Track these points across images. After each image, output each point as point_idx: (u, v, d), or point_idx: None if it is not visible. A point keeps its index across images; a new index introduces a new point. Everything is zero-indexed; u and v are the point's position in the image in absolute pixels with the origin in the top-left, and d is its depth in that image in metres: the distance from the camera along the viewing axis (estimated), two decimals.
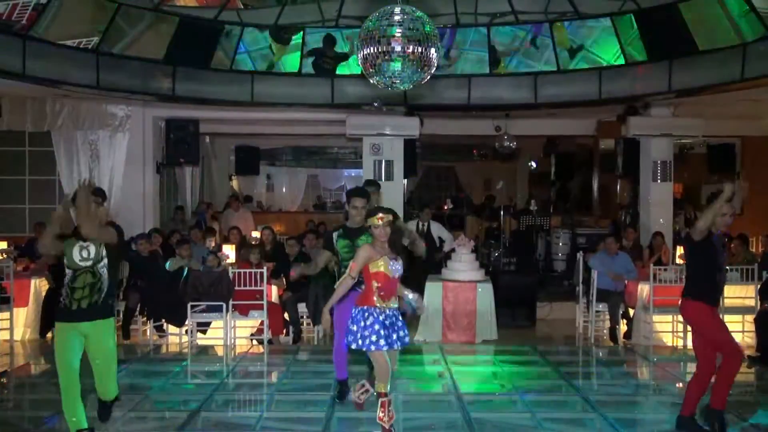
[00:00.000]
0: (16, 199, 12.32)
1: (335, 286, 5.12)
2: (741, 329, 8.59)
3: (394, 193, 11.37)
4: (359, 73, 6.66)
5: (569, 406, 6.19)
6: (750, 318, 8.51)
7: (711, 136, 13.52)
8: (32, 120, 11.49)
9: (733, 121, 12.95)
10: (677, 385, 7.22)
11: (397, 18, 5.24)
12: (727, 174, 14.93)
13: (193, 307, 8.31)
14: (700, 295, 5.19)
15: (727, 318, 8.46)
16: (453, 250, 9.53)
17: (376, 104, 11.05)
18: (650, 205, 11.93)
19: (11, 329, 8.68)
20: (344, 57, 10.74)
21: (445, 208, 14.26)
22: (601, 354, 8.68)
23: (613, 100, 10.99)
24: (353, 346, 4.85)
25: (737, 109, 11.50)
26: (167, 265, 8.75)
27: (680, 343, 8.56)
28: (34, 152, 12.29)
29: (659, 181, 11.89)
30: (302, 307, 8.89)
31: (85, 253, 4.65)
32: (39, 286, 9.03)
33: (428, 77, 5.63)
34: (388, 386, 4.91)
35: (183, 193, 14.00)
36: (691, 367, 8.01)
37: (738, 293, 8.56)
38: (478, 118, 12.99)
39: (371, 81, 5.71)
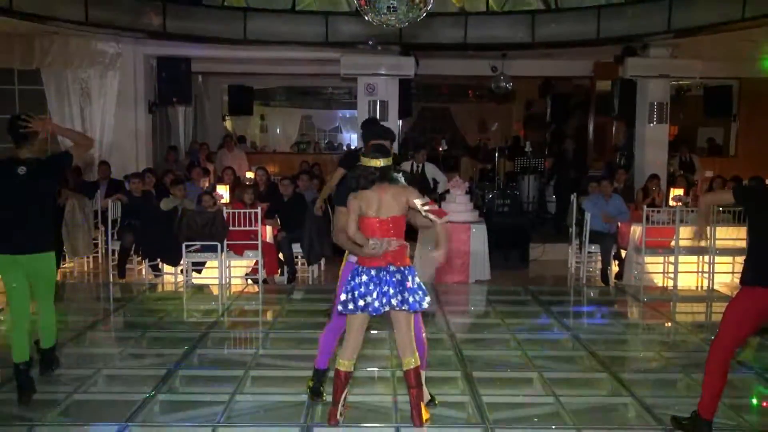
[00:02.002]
0: (6, 138, 12.17)
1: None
2: (731, 270, 8.70)
3: None
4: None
5: (560, 345, 6.29)
6: (740, 259, 8.59)
7: (708, 77, 13.41)
8: (20, 57, 11.28)
9: (731, 63, 12.82)
10: (666, 324, 7.34)
11: None
12: (724, 117, 14.90)
13: (187, 246, 8.33)
14: None
15: (719, 259, 8.62)
16: (447, 191, 9.54)
17: (370, 43, 10.88)
18: (645, 147, 11.91)
19: None
20: None
21: (440, 149, 14.20)
22: (592, 294, 8.78)
23: (610, 39, 10.84)
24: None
25: (736, 51, 11.38)
26: (161, 205, 8.75)
27: (670, 283, 8.67)
28: (23, 90, 12.10)
29: (655, 123, 11.85)
30: (297, 247, 8.93)
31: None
32: None
33: (424, 15, 5.52)
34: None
35: (176, 133, 13.88)
36: (681, 307, 8.18)
37: (731, 235, 8.62)
38: (474, 58, 12.83)
39: (366, 18, 5.60)
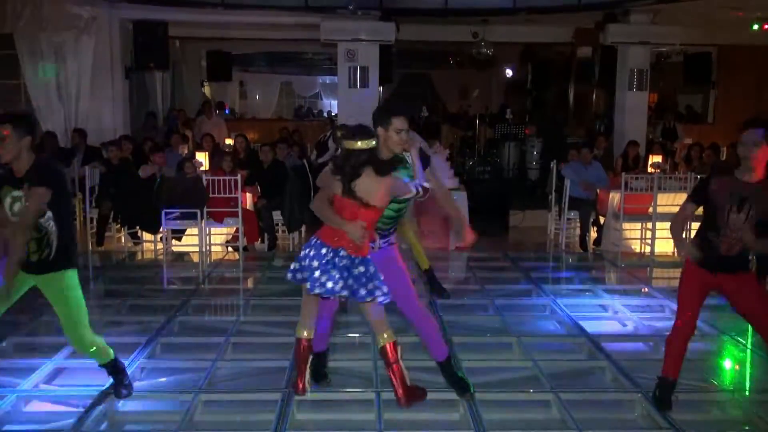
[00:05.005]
0: None
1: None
2: None
3: (369, 100, 11.24)
4: None
5: (539, 310, 6.36)
6: None
7: (688, 44, 13.44)
8: None
9: (711, 30, 12.84)
10: (643, 289, 7.45)
11: None
12: (703, 84, 14.97)
13: (167, 214, 8.28)
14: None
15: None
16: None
17: (350, 7, 10.76)
18: (625, 114, 11.96)
19: None
20: None
21: (421, 116, 14.16)
22: (570, 260, 8.88)
23: (591, 6, 10.82)
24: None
25: (716, 17, 11.39)
26: (140, 172, 8.67)
27: (648, 249, 8.78)
28: None
29: (635, 90, 11.87)
30: (277, 215, 8.91)
31: (17, 207, 3.84)
32: None
33: None
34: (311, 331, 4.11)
35: (154, 99, 13.69)
36: (658, 272, 8.30)
37: None
38: (455, 23, 12.74)
39: None
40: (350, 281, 3.80)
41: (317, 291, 3.80)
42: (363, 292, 3.81)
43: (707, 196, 3.98)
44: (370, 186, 3.80)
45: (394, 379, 4.04)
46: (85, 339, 4.04)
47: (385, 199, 3.87)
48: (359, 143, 3.78)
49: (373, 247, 3.99)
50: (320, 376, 4.43)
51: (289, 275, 3.94)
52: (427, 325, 4.25)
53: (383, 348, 4.02)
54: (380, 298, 3.86)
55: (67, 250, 3.94)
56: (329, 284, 3.78)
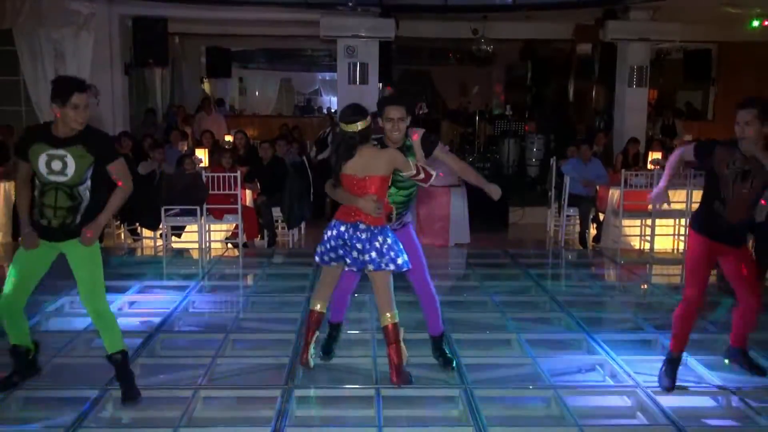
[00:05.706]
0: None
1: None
2: None
3: (369, 97, 11.22)
4: None
5: (538, 307, 6.37)
6: None
7: (688, 41, 13.43)
8: None
9: (711, 27, 12.83)
10: (642, 286, 7.45)
11: None
12: (703, 81, 14.96)
13: (167, 210, 8.28)
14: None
15: None
16: None
17: (350, 4, 10.75)
18: (625, 111, 11.95)
19: None
20: None
21: (420, 112, 14.15)
22: (570, 257, 8.88)
23: (592, 2, 10.81)
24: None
25: (716, 14, 11.38)
26: (139, 169, 8.67)
27: (647, 246, 8.78)
28: None
29: (635, 86, 11.86)
30: (277, 211, 8.91)
31: (57, 166, 3.79)
32: (8, 188, 8.90)
33: None
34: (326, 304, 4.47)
35: (153, 96, 13.67)
36: (657, 269, 8.31)
37: None
38: (455, 20, 12.72)
39: None
40: (373, 253, 4.06)
41: (332, 263, 4.18)
42: (384, 260, 4.06)
43: (711, 161, 4.22)
44: (371, 158, 4.06)
45: (390, 358, 4.22)
46: (104, 307, 4.10)
47: (388, 168, 4.08)
48: (344, 126, 4.07)
49: (393, 227, 4.30)
50: (329, 350, 4.70)
51: (317, 258, 4.25)
52: (431, 302, 4.57)
53: (385, 327, 4.21)
54: (399, 266, 4.10)
55: (92, 217, 3.98)
56: (360, 257, 4.07)
